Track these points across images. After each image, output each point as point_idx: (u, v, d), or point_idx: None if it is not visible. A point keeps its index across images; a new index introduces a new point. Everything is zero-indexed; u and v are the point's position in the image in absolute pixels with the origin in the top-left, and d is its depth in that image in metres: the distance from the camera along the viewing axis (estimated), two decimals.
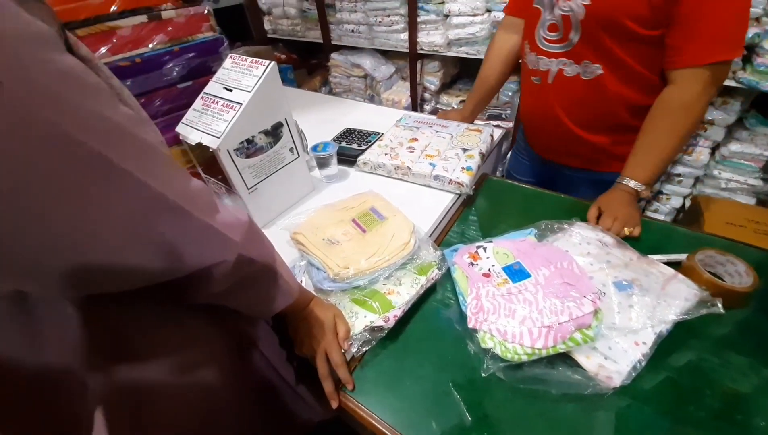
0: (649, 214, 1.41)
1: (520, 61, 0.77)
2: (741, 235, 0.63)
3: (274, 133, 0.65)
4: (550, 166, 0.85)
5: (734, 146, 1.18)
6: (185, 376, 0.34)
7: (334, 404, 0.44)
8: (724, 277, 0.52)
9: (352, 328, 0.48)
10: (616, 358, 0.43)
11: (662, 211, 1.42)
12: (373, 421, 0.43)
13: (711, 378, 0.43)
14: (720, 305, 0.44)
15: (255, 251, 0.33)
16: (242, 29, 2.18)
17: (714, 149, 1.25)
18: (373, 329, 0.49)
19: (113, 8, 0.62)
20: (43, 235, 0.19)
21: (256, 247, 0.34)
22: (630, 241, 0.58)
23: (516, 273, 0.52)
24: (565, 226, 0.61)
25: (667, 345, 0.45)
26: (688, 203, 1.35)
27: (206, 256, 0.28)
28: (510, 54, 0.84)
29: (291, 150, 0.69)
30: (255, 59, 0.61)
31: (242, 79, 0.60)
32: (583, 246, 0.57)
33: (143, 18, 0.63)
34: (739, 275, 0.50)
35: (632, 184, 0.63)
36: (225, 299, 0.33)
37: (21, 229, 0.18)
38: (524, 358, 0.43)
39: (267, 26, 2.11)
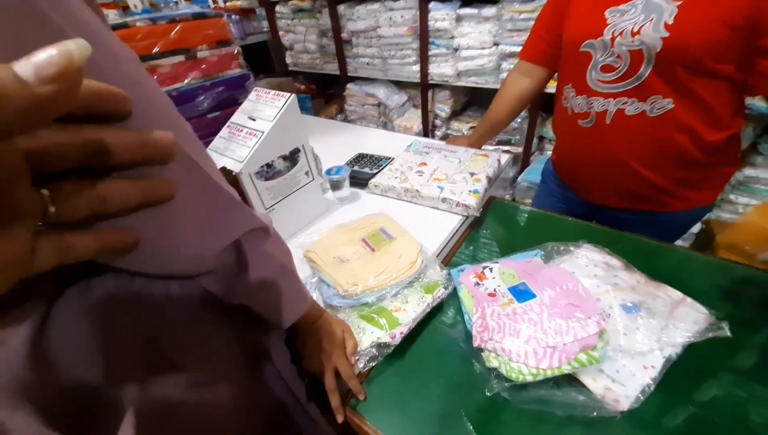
0: None
1: (564, 105, 0.75)
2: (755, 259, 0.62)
3: (292, 157, 0.70)
4: (596, 209, 0.82)
5: (749, 171, 1.16)
6: (204, 391, 0.34)
7: (340, 418, 0.45)
8: None
9: (359, 343, 0.50)
10: (623, 381, 0.43)
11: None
12: None
13: (725, 407, 0.42)
14: (727, 328, 0.44)
15: (278, 249, 0.37)
16: (266, 63, 2.36)
17: None
18: (379, 345, 0.50)
19: (156, 49, 0.70)
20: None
21: (279, 246, 0.38)
22: (641, 265, 0.58)
23: (521, 293, 0.53)
24: (572, 248, 0.62)
25: (679, 371, 0.44)
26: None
27: (253, 243, 0.33)
28: (521, 96, 0.87)
29: (306, 173, 0.74)
30: (277, 92, 0.67)
31: (265, 109, 0.66)
32: (589, 268, 0.58)
33: (181, 57, 0.71)
34: None
35: None
36: (253, 296, 0.36)
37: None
38: (529, 378, 0.44)
39: (288, 60, 2.28)
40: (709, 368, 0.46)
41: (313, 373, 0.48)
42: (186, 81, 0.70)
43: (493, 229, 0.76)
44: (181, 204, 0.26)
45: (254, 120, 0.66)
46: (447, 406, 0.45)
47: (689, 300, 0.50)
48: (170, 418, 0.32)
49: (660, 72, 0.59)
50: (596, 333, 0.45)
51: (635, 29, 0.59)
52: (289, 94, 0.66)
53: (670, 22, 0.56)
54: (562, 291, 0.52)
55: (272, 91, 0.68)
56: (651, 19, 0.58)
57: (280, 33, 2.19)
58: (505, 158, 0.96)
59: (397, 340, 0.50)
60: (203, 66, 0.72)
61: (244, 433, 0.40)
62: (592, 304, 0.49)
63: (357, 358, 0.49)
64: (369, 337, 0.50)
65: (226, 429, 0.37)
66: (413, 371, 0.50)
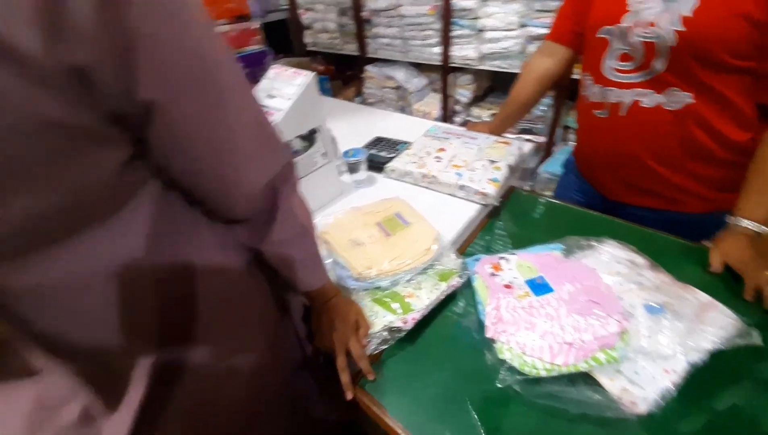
0: None
1: (582, 93, 0.72)
2: None
3: (309, 138, 0.69)
4: (615, 206, 0.78)
5: None
6: (231, 360, 0.36)
7: (349, 395, 0.46)
8: None
9: (371, 326, 0.50)
10: (642, 383, 0.42)
11: None
12: (386, 419, 0.44)
13: (754, 421, 0.40)
14: (757, 336, 0.42)
15: (300, 209, 0.40)
16: (284, 42, 2.32)
17: None
18: (391, 329, 0.50)
19: None
20: (216, 128, 0.29)
21: (301, 206, 0.40)
22: (667, 265, 0.54)
23: (539, 287, 0.52)
24: (594, 243, 0.59)
25: (703, 378, 0.42)
26: None
27: (285, 192, 0.37)
28: (544, 77, 0.83)
29: (323, 155, 0.73)
30: (296, 70, 0.66)
31: (284, 87, 0.65)
32: (612, 265, 0.55)
33: None
34: None
35: (752, 225, 0.55)
36: (284, 250, 0.39)
37: (205, 122, 0.29)
38: (543, 373, 0.43)
39: (307, 39, 2.23)
40: (736, 377, 0.43)
41: (325, 352, 0.49)
42: None
43: (511, 220, 0.73)
44: (241, 130, 0.31)
45: (273, 98, 0.65)
46: (455, 394, 0.45)
47: (718, 304, 0.48)
48: (189, 379, 0.33)
49: (674, 66, 0.56)
50: (617, 332, 0.43)
51: (652, 19, 0.56)
52: (308, 73, 0.64)
53: (690, 14, 0.53)
54: (582, 287, 0.50)
55: (291, 69, 0.67)
56: (670, 10, 0.54)
57: (299, 11, 2.14)
58: (527, 147, 0.92)
59: (410, 325, 0.50)
60: None
61: (261, 393, 0.41)
62: (613, 302, 0.47)
63: (368, 340, 0.49)
64: (381, 320, 0.50)
65: (243, 394, 0.39)
66: (424, 357, 0.50)
